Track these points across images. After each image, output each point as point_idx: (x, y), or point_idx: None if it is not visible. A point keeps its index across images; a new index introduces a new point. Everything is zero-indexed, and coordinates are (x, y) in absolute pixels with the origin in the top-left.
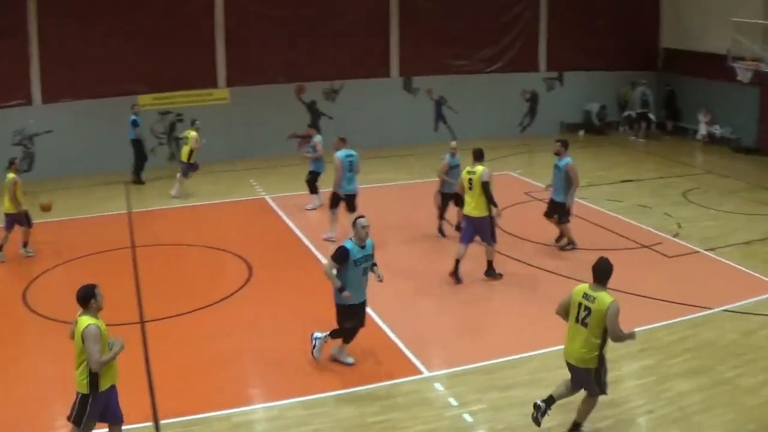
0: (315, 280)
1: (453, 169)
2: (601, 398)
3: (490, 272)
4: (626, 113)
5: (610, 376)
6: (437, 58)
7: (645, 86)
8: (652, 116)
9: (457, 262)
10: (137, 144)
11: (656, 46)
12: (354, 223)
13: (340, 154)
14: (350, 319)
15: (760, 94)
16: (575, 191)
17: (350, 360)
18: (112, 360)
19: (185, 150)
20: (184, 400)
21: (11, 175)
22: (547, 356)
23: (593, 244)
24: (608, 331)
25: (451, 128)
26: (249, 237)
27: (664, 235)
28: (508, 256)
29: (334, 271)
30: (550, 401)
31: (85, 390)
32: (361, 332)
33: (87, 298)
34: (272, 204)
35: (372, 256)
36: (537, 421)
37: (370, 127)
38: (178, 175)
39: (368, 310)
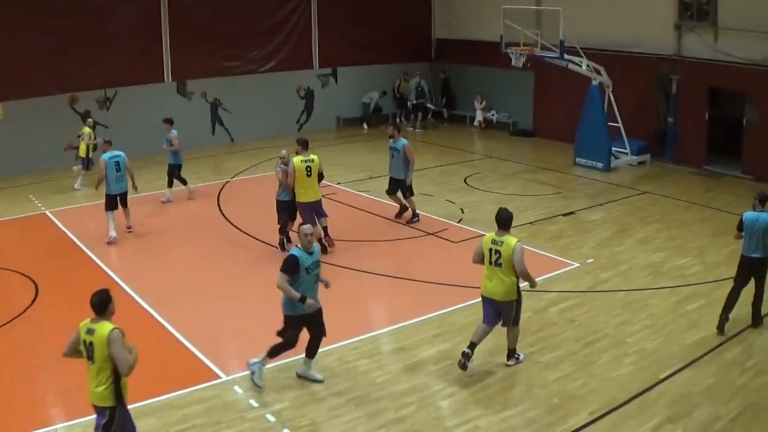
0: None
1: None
2: (402, 387)
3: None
4: (409, 104)
5: (409, 364)
6: (209, 61)
7: (419, 77)
8: (430, 106)
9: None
10: None
11: (429, 36)
12: (299, 232)
13: (105, 156)
14: (296, 329)
15: (534, 79)
16: (413, 167)
17: (319, 376)
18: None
19: (83, 146)
20: None
21: None
22: (344, 350)
23: (379, 236)
24: (515, 266)
25: (229, 130)
26: (32, 254)
27: (448, 221)
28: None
29: (287, 284)
30: (472, 347)
31: (111, 402)
32: (155, 340)
33: (105, 303)
34: (53, 218)
35: (319, 262)
36: (464, 366)
37: (146, 134)
38: (76, 168)
39: (158, 317)
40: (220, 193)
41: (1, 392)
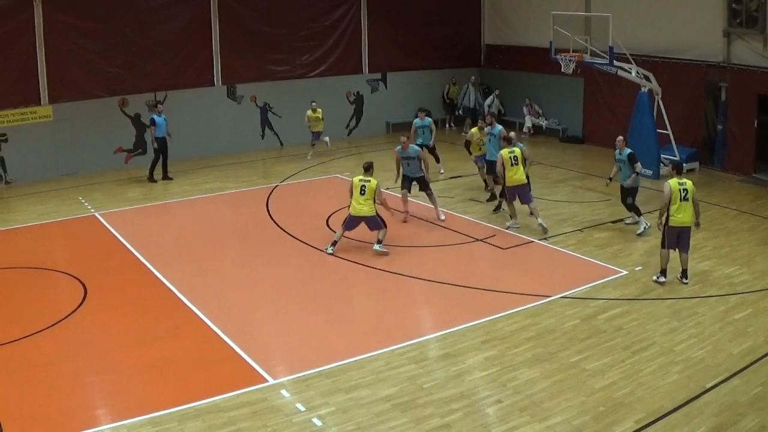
0: (151, 293)
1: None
2: (449, 393)
3: None
4: (458, 111)
5: (456, 370)
6: (259, 65)
7: (470, 83)
8: (477, 110)
9: None
10: (162, 142)
11: (479, 42)
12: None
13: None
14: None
15: (584, 85)
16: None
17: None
18: None
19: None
20: (28, 431)
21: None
22: (391, 355)
23: (427, 241)
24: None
25: (278, 134)
26: (81, 255)
27: (497, 227)
28: (340, 258)
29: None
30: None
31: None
32: (202, 343)
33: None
34: (103, 220)
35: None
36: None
37: (196, 137)
38: None
39: (206, 320)
40: (269, 197)
41: (48, 393)
